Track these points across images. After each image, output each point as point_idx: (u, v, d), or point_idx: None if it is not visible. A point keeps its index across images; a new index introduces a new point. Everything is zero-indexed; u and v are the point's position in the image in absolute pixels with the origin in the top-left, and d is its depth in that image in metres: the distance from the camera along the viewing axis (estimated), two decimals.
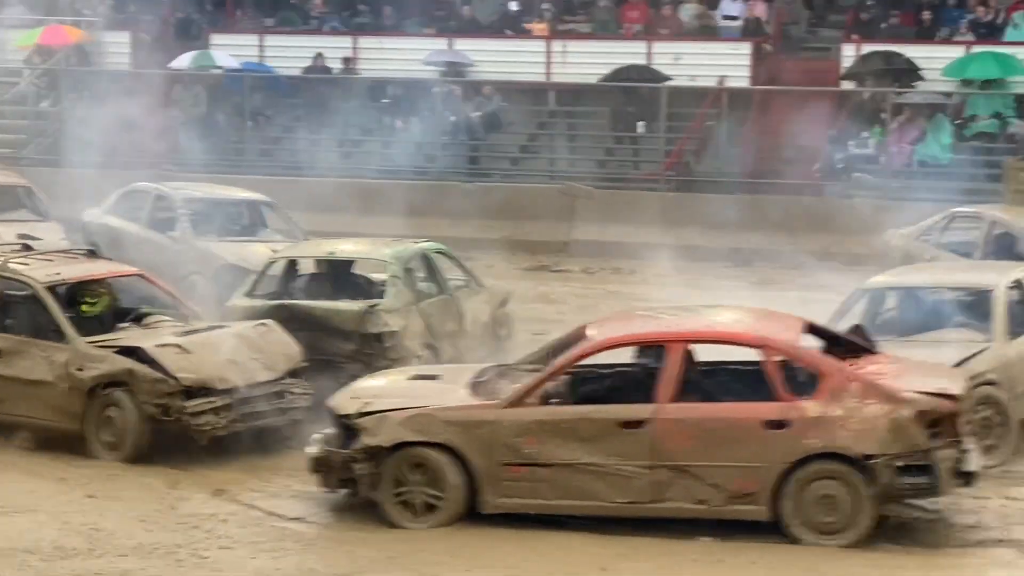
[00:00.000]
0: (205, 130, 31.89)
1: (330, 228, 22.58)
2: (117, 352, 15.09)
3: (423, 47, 32.97)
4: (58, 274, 16.06)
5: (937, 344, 14.96)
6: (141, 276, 16.90)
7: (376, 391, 13.73)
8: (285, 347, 15.74)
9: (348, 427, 13.17)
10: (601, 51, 32.24)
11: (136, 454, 14.76)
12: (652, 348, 13.41)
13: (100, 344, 15.29)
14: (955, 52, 30.26)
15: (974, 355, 14.48)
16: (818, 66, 31.66)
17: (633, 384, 13.24)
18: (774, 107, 30.33)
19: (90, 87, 33.68)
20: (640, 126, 29.90)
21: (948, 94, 29.59)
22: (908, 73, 30.11)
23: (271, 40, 34.07)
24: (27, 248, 18.10)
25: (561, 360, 13.16)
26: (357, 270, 18.29)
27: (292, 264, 18.14)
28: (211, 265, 21.08)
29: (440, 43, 33.09)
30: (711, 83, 30.55)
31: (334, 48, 33.19)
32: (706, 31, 32.48)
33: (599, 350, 13.27)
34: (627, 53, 31.91)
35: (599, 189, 26.55)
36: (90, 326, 15.68)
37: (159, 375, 14.72)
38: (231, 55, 33.37)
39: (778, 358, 12.79)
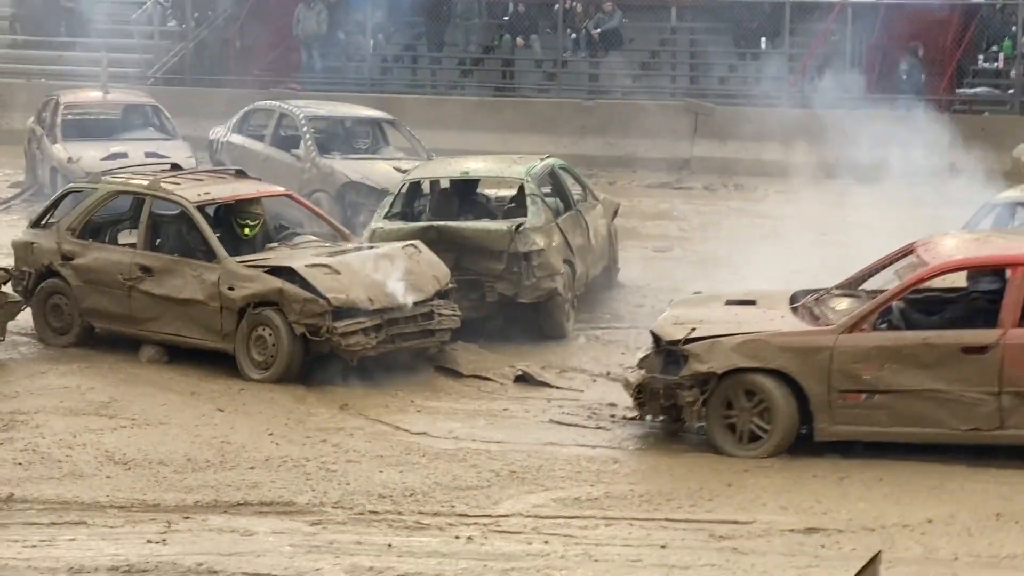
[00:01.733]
0: (326, 48, 32.04)
1: (451, 146, 22.69)
2: (267, 272, 15.14)
3: None
4: (208, 193, 16.10)
5: None
6: (289, 196, 17.02)
7: (699, 316, 13.29)
8: (434, 268, 15.69)
9: (670, 353, 12.94)
10: None
11: (286, 373, 14.83)
12: (991, 272, 13.05)
13: (250, 264, 15.34)
14: None
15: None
16: None
17: (974, 309, 12.90)
18: (896, 22, 29.97)
19: (214, 6, 33.93)
20: (762, 41, 29.66)
21: None
22: None
23: None
24: (175, 168, 18.26)
25: (898, 285, 12.75)
26: (482, 188, 18.28)
27: (426, 184, 18.06)
28: (334, 183, 21.21)
29: None
30: None
31: None
32: None
33: (938, 274, 12.84)
34: None
35: (721, 106, 26.42)
36: (239, 245, 15.79)
37: (309, 295, 14.73)
38: None
39: None
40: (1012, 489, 11.96)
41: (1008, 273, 12.56)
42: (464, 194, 17.99)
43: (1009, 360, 12.18)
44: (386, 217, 17.23)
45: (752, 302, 13.63)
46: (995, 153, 23.02)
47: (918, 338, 12.47)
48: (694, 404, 12.60)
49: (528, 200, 17.21)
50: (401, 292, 15.12)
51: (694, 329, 12.82)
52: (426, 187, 18.11)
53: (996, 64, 28.98)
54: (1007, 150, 22.15)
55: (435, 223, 16.90)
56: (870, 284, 13.43)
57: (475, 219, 17.28)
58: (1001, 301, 12.39)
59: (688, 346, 12.69)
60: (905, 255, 13.48)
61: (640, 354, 13.47)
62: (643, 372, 12.98)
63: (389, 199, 17.69)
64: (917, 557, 10.67)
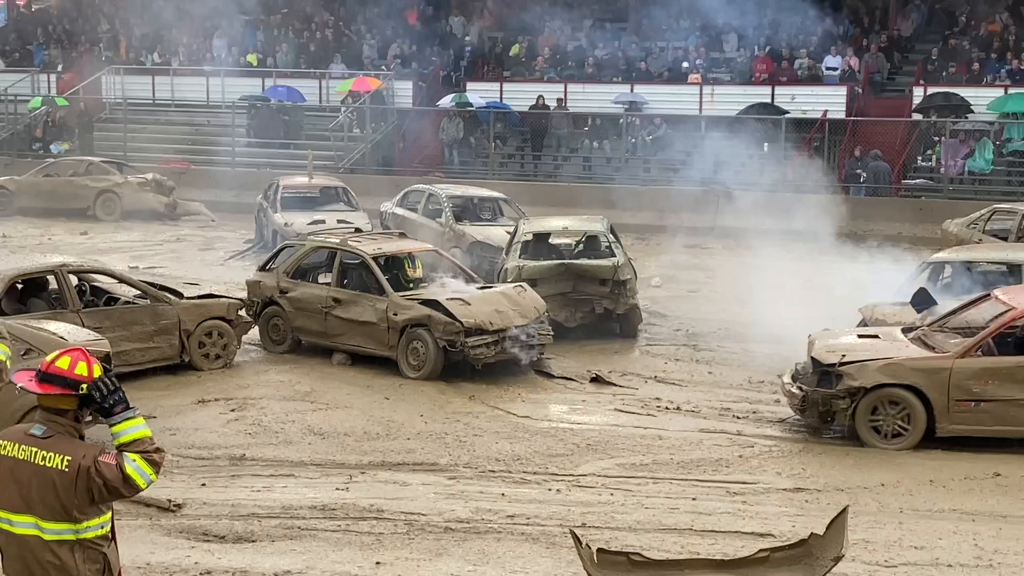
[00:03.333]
0: (462, 148, 32.26)
1: (546, 215, 22.66)
2: (420, 303, 15.16)
3: (613, 91, 32.97)
4: (380, 248, 16.15)
5: None
6: (435, 251, 17.05)
7: (845, 347, 12.78)
8: (535, 302, 15.65)
9: (824, 373, 12.49)
10: (738, 93, 31.98)
11: (432, 373, 14.81)
12: None
13: (408, 297, 15.37)
14: (996, 92, 29.53)
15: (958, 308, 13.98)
16: (895, 103, 31.04)
17: None
18: (862, 133, 29.78)
19: (385, 119, 34.28)
20: (765, 146, 29.53)
21: (991, 123, 28.83)
22: (961, 108, 29.42)
23: (508, 86, 34.25)
24: (358, 231, 18.35)
25: (998, 323, 12.27)
26: (561, 238, 18.21)
27: (536, 236, 17.98)
28: (465, 242, 21.25)
29: (624, 88, 33.03)
30: (817, 115, 30.07)
31: (551, 92, 33.26)
32: (813, 78, 31.99)
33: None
34: (757, 94, 31.61)
35: (735, 191, 26.26)
36: (401, 284, 15.82)
37: (449, 319, 14.75)
38: (480, 96, 33.61)
39: None
40: (940, 463, 11.82)
41: None
42: (546, 242, 18.02)
43: None
44: (520, 257, 17.31)
45: (875, 336, 13.26)
46: (930, 226, 22.73)
47: (1014, 361, 12.18)
48: (846, 410, 12.30)
49: (612, 245, 17.51)
50: (512, 318, 15.13)
51: (844, 355, 12.51)
52: (531, 238, 18.02)
53: (930, 163, 28.75)
54: (938, 224, 21.86)
55: (564, 261, 17.23)
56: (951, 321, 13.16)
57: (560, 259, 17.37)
58: None
59: (844, 367, 12.38)
60: (982, 300, 13.22)
61: (787, 374, 13.14)
62: (802, 386, 12.60)
63: (518, 245, 17.66)
64: (873, 510, 10.55)
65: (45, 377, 5.93)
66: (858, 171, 28.01)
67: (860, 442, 12.44)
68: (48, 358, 6.01)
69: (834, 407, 12.35)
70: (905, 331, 13.24)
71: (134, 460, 5.86)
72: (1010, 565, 9.24)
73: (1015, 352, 12.36)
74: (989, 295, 13.26)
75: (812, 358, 12.78)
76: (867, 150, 28.26)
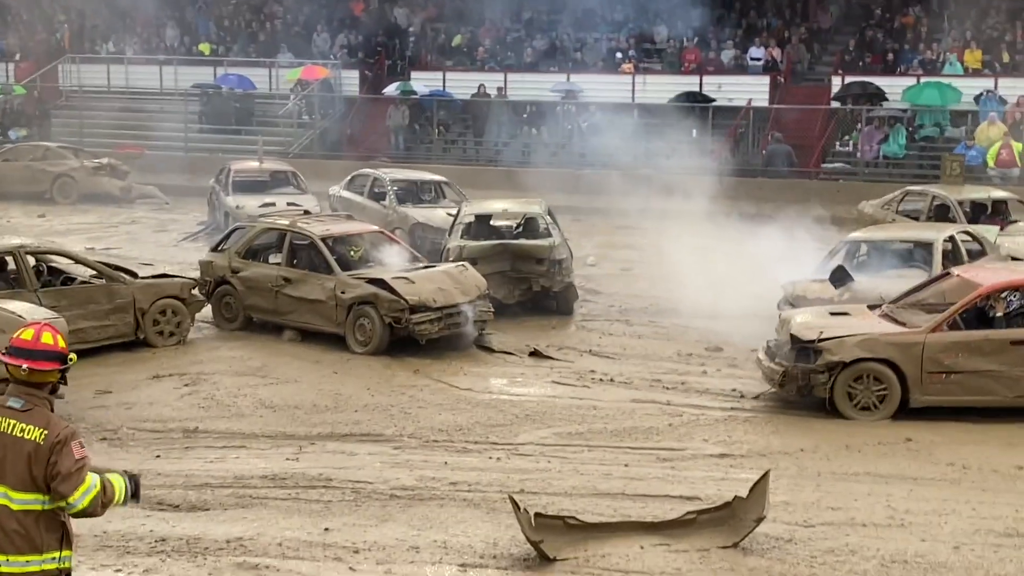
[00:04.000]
0: (407, 135, 32.11)
1: (487, 198, 22.59)
2: (367, 281, 15.10)
3: (550, 79, 32.90)
4: (328, 229, 16.08)
5: (895, 279, 14.74)
6: (381, 232, 16.95)
7: (820, 324, 12.70)
8: (476, 280, 15.62)
9: (803, 349, 12.43)
10: (668, 82, 32.04)
11: (378, 349, 14.76)
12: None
13: (355, 276, 15.30)
14: (910, 81, 29.80)
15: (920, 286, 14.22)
16: (815, 91, 31.26)
17: (1014, 314, 12.62)
18: (784, 120, 30.00)
19: (333, 107, 34.06)
20: (693, 132, 29.65)
21: (904, 110, 29.10)
22: (877, 96, 29.68)
23: (450, 75, 34.08)
24: (307, 213, 18.24)
25: (965, 299, 12.29)
26: (501, 220, 18.17)
27: (478, 217, 17.92)
28: (408, 223, 21.18)
29: (561, 77, 33.00)
30: (742, 103, 30.23)
31: (491, 80, 33.18)
32: (739, 68, 32.15)
33: (990, 293, 12.48)
34: (686, 83, 31.69)
35: (667, 175, 26.31)
36: (348, 264, 15.74)
37: (394, 297, 14.71)
38: (424, 85, 33.46)
39: None
40: (855, 429, 11.95)
41: None
42: (487, 223, 17.99)
43: None
44: (462, 237, 17.27)
45: (847, 313, 13.26)
46: (847, 207, 22.94)
47: (981, 335, 12.26)
48: (825, 384, 12.31)
49: (549, 227, 17.50)
50: (453, 295, 15.11)
51: (822, 332, 12.51)
52: (473, 220, 17.97)
53: (848, 147, 29.01)
54: (855, 205, 22.08)
55: (503, 241, 17.12)
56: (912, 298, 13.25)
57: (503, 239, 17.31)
58: None
59: (823, 343, 12.39)
60: (943, 278, 13.32)
61: (761, 350, 13.17)
62: (782, 362, 12.59)
63: (460, 226, 17.61)
64: (793, 473, 10.66)
65: (34, 354, 5.94)
66: (763, 152, 28.23)
67: (785, 411, 12.58)
68: (25, 336, 6.00)
69: (813, 381, 12.36)
70: (870, 308, 13.32)
71: (95, 486, 5.91)
72: (920, 524, 9.39)
73: (979, 326, 12.47)
74: (949, 273, 13.38)
75: (791, 335, 12.76)
76: (775, 135, 28.52)
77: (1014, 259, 16.01)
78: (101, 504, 5.96)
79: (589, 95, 32.14)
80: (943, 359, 12.13)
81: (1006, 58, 30.26)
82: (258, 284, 15.88)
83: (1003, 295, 12.63)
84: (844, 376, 12.24)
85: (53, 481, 5.83)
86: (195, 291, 15.81)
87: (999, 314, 12.57)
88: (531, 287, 16.88)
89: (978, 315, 12.59)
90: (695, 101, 30.42)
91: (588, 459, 11.03)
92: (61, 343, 6.03)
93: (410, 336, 14.79)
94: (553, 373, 14.24)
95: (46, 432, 5.83)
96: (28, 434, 5.83)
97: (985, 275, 12.97)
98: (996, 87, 28.86)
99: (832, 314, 13.26)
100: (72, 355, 6.09)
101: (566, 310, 17.19)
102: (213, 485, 10.24)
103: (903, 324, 12.61)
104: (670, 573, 8.42)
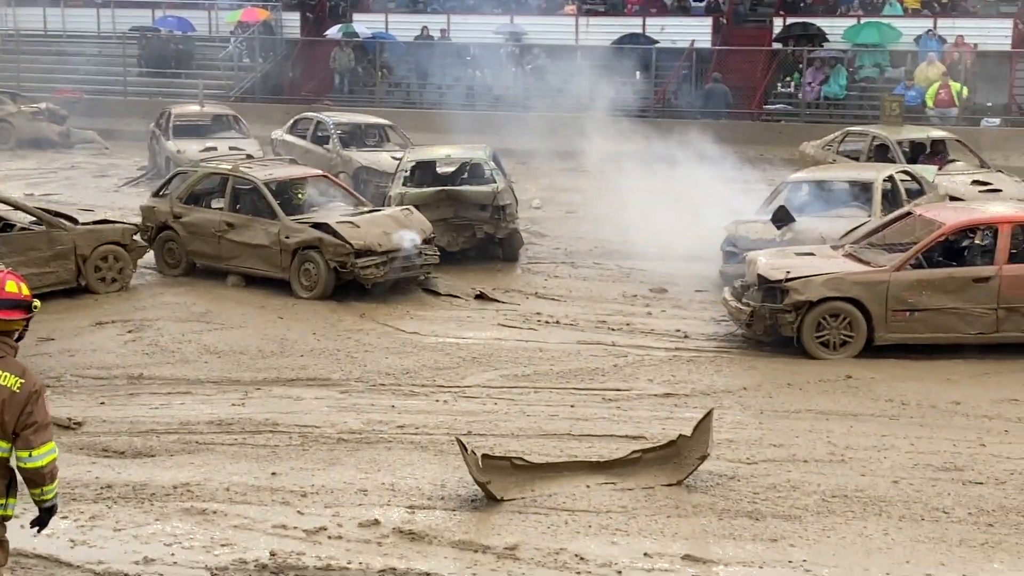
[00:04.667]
0: (350, 77, 31.81)
1: (430, 143, 22.50)
2: (311, 226, 14.99)
3: (494, 21, 32.65)
4: (271, 174, 15.89)
5: (836, 218, 14.89)
6: (325, 176, 16.77)
7: (787, 265, 12.73)
8: (422, 224, 15.49)
9: (770, 289, 12.49)
10: (612, 24, 31.90)
11: (323, 293, 14.68)
12: (987, 227, 12.77)
13: (300, 221, 15.17)
14: (850, 22, 29.87)
15: (861, 225, 14.33)
16: (757, 33, 31.26)
17: (978, 252, 12.74)
18: (727, 61, 30.01)
19: (274, 49, 33.67)
20: (637, 74, 29.58)
21: (844, 51, 29.21)
22: (818, 37, 29.75)
23: (393, 17, 33.71)
24: (250, 157, 18.01)
25: (929, 238, 12.44)
26: (446, 166, 17.96)
27: (421, 164, 17.68)
28: (352, 167, 21.03)
29: (505, 19, 32.74)
30: (685, 45, 30.18)
31: (435, 22, 32.87)
32: (682, 10, 32.07)
33: (952, 232, 12.63)
34: (629, 25, 31.58)
35: (607, 117, 26.25)
36: (292, 209, 15.59)
37: (339, 241, 14.62)
38: (367, 27, 33.11)
39: None
40: (798, 367, 12.09)
41: (999, 228, 12.49)
42: (431, 170, 17.78)
43: (1004, 286, 12.22)
44: (404, 185, 17.02)
45: (812, 253, 13.31)
46: (789, 148, 23.05)
47: (945, 273, 12.37)
48: (792, 323, 12.35)
49: (493, 173, 17.17)
50: (400, 239, 15.03)
51: (789, 272, 12.54)
52: (415, 166, 17.73)
53: (790, 88, 29.11)
54: (796, 146, 22.18)
55: (446, 187, 16.84)
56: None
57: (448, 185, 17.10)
58: (996, 247, 12.38)
59: (790, 283, 12.41)
60: (903, 218, 13.38)
61: (727, 291, 13.25)
62: (749, 302, 12.64)
63: (402, 173, 17.34)
64: (736, 412, 10.77)
65: (4, 304, 5.95)
66: (702, 91, 28.27)
67: (728, 350, 12.69)
68: None
69: (780, 321, 12.43)
70: (834, 248, 13.40)
71: (56, 451, 5.96)
72: (859, 459, 9.53)
73: (941, 264, 12.60)
74: (910, 213, 13.47)
75: (758, 275, 12.81)
76: (713, 76, 28.54)
77: (952, 198, 16.20)
78: (50, 474, 5.98)
79: (532, 37, 31.94)
80: (907, 297, 12.27)
81: None
82: (201, 229, 15.72)
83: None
84: (811, 315, 12.33)
85: (26, 430, 5.83)
86: (137, 237, 15.61)
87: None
88: (475, 234, 16.64)
89: (941, 253, 12.74)
90: (638, 43, 30.32)
91: (534, 400, 11.07)
92: (25, 290, 6.03)
93: (356, 280, 14.72)
94: (499, 316, 14.25)
95: (23, 381, 5.87)
96: (5, 380, 5.88)
97: (947, 214, 13.09)
98: (935, 27, 29.00)
99: (798, 254, 13.33)
100: (37, 302, 6.08)
101: (511, 257, 17.05)
102: (159, 431, 10.18)
103: (867, 263, 12.72)
104: (616, 511, 8.51)
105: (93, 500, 8.77)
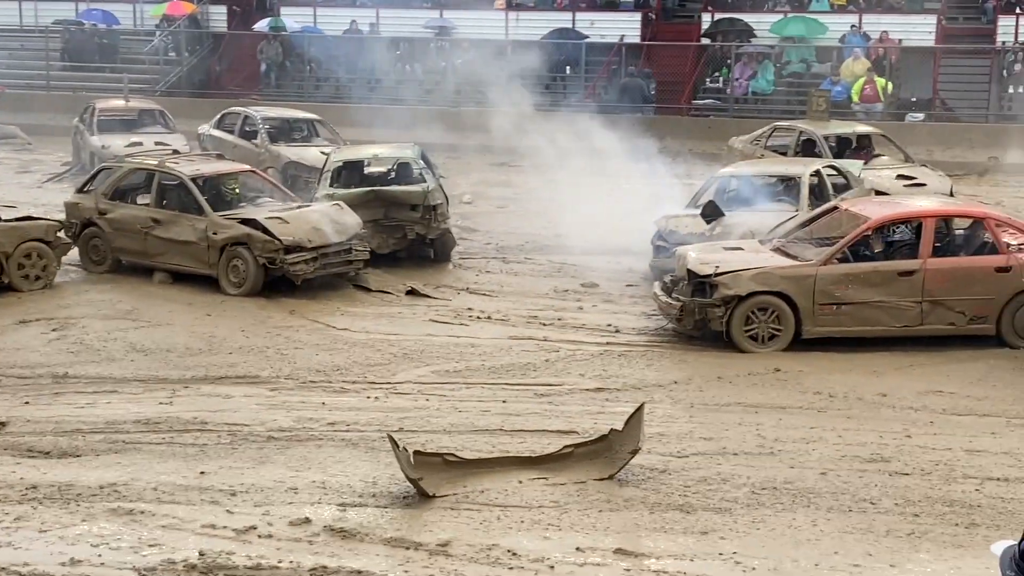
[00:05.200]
0: (278, 71, 31.56)
1: (360, 137, 22.33)
2: (239, 222, 14.87)
3: (423, 15, 32.58)
4: (198, 169, 15.73)
5: (764, 213, 15.02)
6: (253, 171, 16.62)
7: (716, 260, 12.80)
8: (352, 219, 15.37)
9: (700, 284, 12.58)
10: (541, 19, 31.98)
11: (252, 290, 14.57)
12: (910, 221, 12.99)
13: (227, 216, 15.04)
14: (777, 17, 30.17)
15: (789, 219, 14.46)
16: (685, 28, 31.49)
17: (902, 246, 12.88)
18: (656, 56, 30.19)
19: (201, 43, 33.32)
20: (567, 69, 29.63)
21: (772, 46, 29.51)
22: (745, 32, 30.03)
23: (321, 11, 33.50)
24: (176, 152, 17.82)
25: (854, 233, 12.57)
26: (374, 166, 17.79)
27: (348, 164, 17.51)
28: (280, 162, 20.87)
29: (435, 13, 32.67)
30: (615, 40, 30.32)
31: (363, 16, 32.71)
32: (611, 4, 32.21)
33: (878, 226, 12.79)
34: (559, 20, 31.67)
35: (541, 112, 26.26)
36: (220, 204, 15.42)
37: (268, 237, 14.50)
38: (295, 21, 32.88)
39: (995, 225, 12.66)
40: (728, 361, 12.19)
41: (923, 222, 12.64)
42: (359, 169, 17.61)
43: (928, 279, 12.35)
44: (331, 186, 16.77)
45: (740, 248, 13.37)
46: (718, 143, 23.22)
47: (870, 267, 12.50)
48: (721, 317, 12.40)
49: (422, 172, 17.00)
50: (330, 235, 14.93)
51: (718, 267, 12.60)
52: (342, 166, 17.54)
53: (718, 84, 29.34)
54: (724, 141, 22.36)
55: (374, 188, 16.60)
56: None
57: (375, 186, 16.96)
58: (920, 241, 12.54)
59: (719, 278, 12.47)
60: (830, 213, 13.49)
61: (657, 286, 13.31)
62: (679, 297, 12.69)
63: (328, 174, 17.05)
64: (667, 406, 10.84)
65: None
66: (620, 84, 28.42)
67: (659, 344, 12.77)
68: None
69: (709, 315, 12.51)
70: (762, 243, 13.52)
71: None
72: (788, 452, 9.63)
73: (867, 258, 12.75)
74: (837, 207, 13.62)
75: (688, 270, 12.87)
76: (628, 69, 28.68)
77: (878, 192, 16.43)
78: None
79: (462, 31, 31.90)
80: (834, 291, 12.40)
81: None
82: (127, 226, 15.51)
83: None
84: (740, 310, 12.43)
85: None
86: (61, 233, 15.36)
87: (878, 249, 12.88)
88: (406, 235, 16.35)
89: (866, 247, 12.90)
90: (568, 38, 30.40)
91: (466, 396, 11.06)
92: None
93: (285, 277, 14.61)
94: (430, 311, 14.22)
95: None
96: None
97: (872, 209, 13.27)
98: (861, 23, 29.40)
99: (726, 249, 13.43)
100: None
101: (444, 257, 16.78)
102: (84, 431, 10.03)
103: (795, 258, 12.84)
104: (548, 506, 8.52)
105: (18, 501, 8.62)
